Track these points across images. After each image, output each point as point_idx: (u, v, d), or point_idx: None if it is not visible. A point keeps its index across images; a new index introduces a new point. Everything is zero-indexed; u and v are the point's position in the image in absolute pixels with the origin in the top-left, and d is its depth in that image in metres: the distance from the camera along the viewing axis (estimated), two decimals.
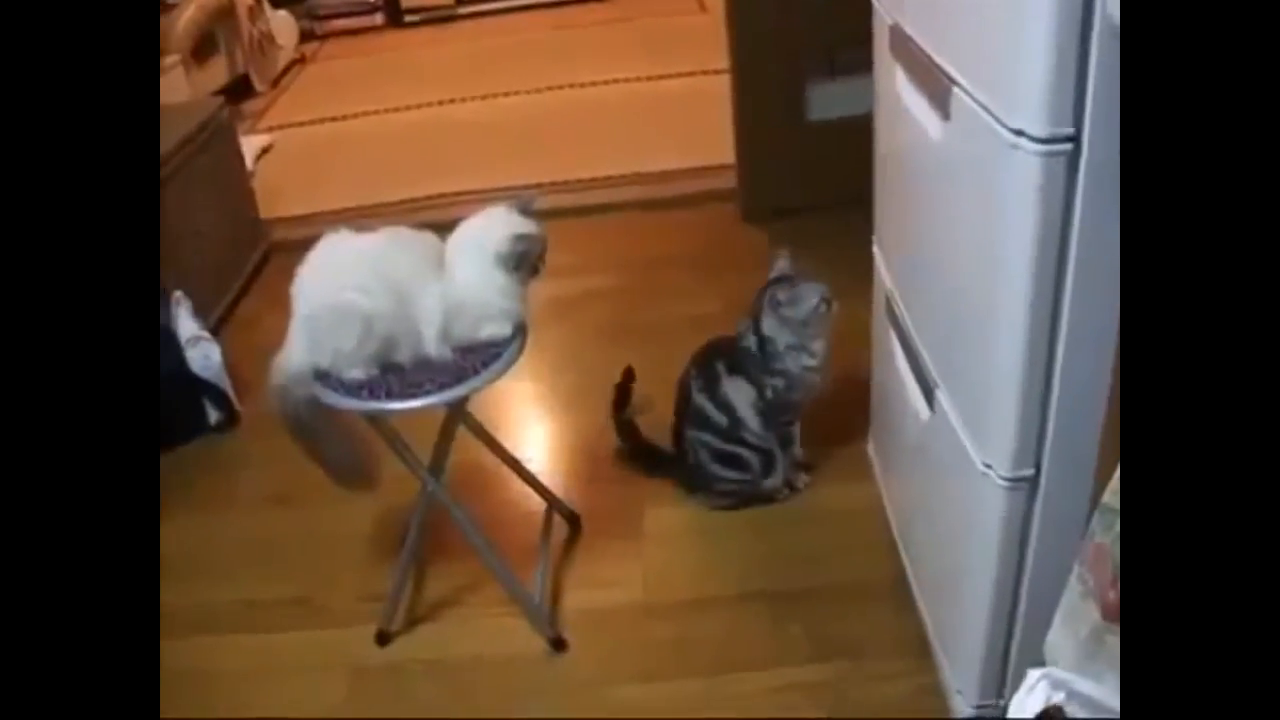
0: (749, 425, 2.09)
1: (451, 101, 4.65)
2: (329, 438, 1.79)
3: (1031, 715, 0.91)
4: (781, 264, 2.09)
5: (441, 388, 1.68)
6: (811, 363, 2.05)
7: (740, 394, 2.09)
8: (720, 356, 2.12)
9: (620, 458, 2.32)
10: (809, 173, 3.13)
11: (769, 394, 2.07)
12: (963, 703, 1.57)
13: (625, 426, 2.30)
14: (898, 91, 1.53)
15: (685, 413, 2.16)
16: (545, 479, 2.19)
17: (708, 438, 2.12)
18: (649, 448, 2.29)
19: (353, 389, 1.68)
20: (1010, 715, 0.92)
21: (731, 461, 2.13)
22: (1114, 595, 0.90)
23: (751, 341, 2.07)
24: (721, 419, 2.10)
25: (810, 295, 2.01)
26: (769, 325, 2.04)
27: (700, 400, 2.12)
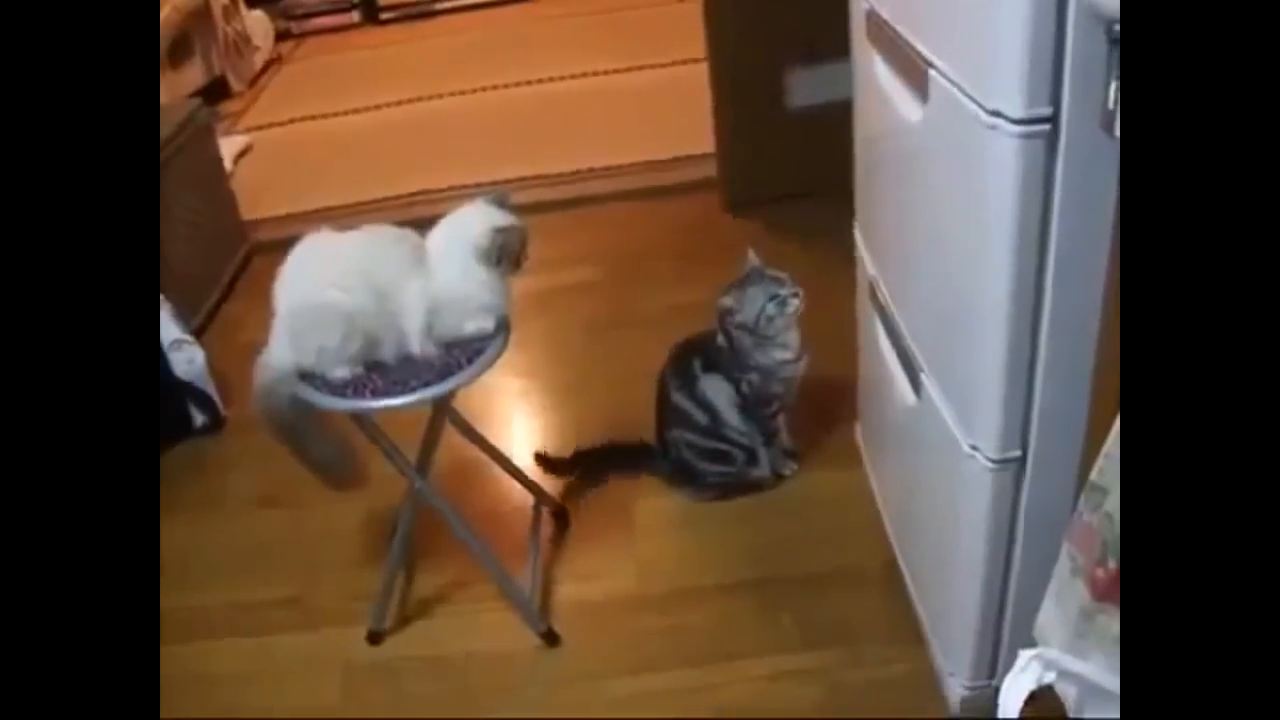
0: (730, 421, 2.09)
1: (431, 98, 4.63)
2: (314, 437, 1.78)
3: (1023, 696, 0.91)
4: (752, 261, 2.04)
5: (426, 385, 1.67)
6: (785, 355, 2.03)
7: (718, 391, 2.08)
8: (695, 354, 2.11)
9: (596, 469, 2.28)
10: (791, 160, 3.13)
11: (746, 389, 2.06)
12: (955, 685, 1.57)
13: (564, 464, 2.26)
14: (876, 76, 1.53)
15: (665, 412, 2.15)
16: (533, 473, 2.18)
17: (689, 436, 2.12)
18: (621, 449, 2.26)
19: (337, 388, 1.68)
20: (1002, 696, 0.93)
21: (715, 456, 2.12)
22: (1102, 574, 0.91)
23: (722, 340, 2.06)
24: (702, 417, 2.09)
25: (757, 297, 1.98)
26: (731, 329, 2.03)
27: (679, 399, 2.11)
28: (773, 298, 1.97)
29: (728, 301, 2.00)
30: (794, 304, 1.98)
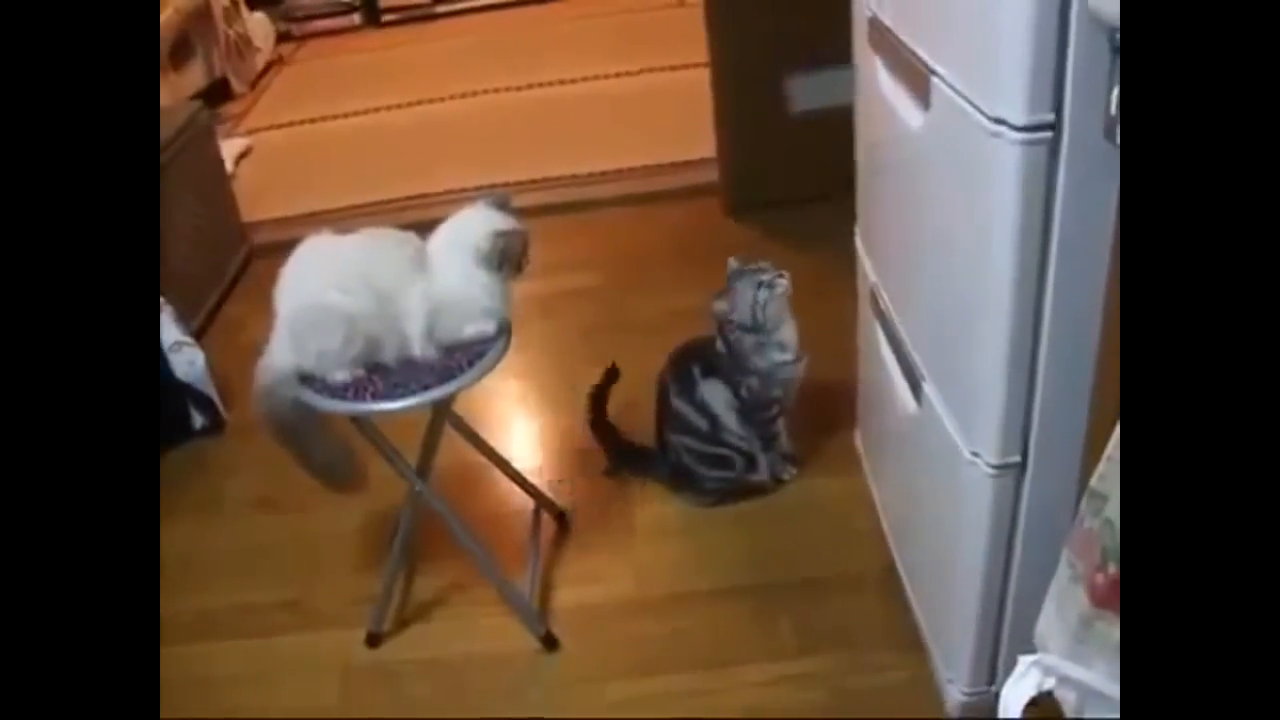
0: (729, 426, 2.09)
1: (432, 101, 4.63)
2: (315, 440, 1.78)
3: (1023, 701, 0.91)
4: (732, 264, 2.05)
5: (426, 388, 1.67)
6: (784, 357, 2.04)
7: (717, 396, 2.08)
8: (694, 359, 2.11)
9: (606, 468, 2.27)
10: (791, 165, 3.13)
11: (745, 393, 2.06)
12: (954, 691, 1.57)
13: (605, 430, 2.26)
14: (878, 82, 1.53)
15: (664, 416, 2.15)
16: (532, 477, 2.18)
17: (689, 441, 2.12)
18: (632, 449, 2.26)
19: (337, 390, 1.68)
20: (1002, 701, 0.93)
21: (715, 461, 2.12)
22: (1102, 580, 0.91)
23: (721, 344, 2.06)
24: (701, 422, 2.09)
25: (745, 290, 1.99)
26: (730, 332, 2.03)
27: (678, 404, 2.11)
28: (759, 285, 1.98)
29: (721, 306, 2.01)
30: (781, 284, 1.99)
